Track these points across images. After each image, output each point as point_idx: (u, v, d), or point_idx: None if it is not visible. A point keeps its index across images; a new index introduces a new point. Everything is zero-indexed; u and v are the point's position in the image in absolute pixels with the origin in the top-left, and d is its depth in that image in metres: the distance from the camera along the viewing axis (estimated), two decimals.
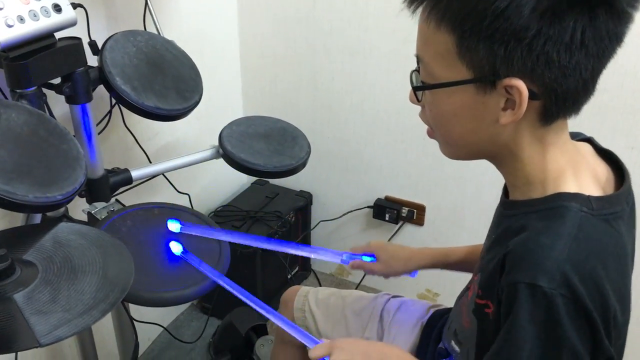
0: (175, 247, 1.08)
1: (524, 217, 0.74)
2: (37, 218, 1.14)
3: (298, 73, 1.95)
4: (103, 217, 1.15)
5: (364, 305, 1.20)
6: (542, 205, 0.73)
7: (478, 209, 1.84)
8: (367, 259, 1.16)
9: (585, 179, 0.75)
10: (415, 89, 0.76)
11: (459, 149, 0.80)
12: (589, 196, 0.71)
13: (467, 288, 0.89)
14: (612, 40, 0.66)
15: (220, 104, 1.94)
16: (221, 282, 1.04)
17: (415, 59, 0.76)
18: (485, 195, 1.81)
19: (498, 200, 1.91)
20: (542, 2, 0.62)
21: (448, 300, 1.25)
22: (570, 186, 0.73)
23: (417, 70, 0.76)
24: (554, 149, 0.74)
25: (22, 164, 0.94)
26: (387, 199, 1.98)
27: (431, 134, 0.82)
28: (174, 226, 1.12)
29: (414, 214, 1.95)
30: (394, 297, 1.22)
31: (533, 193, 0.75)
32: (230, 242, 1.15)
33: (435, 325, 1.11)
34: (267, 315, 1.01)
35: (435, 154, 1.80)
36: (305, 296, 1.26)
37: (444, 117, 0.76)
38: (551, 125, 0.72)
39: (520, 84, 0.66)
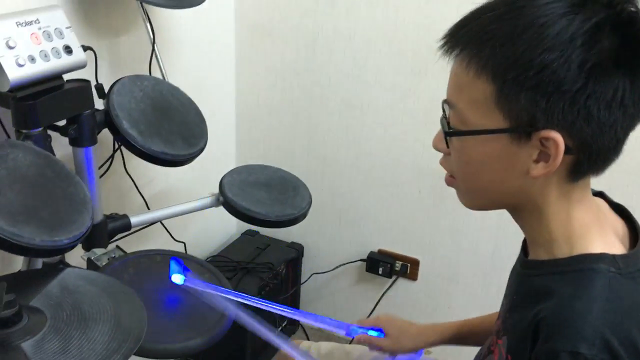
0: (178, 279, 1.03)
1: (548, 278, 0.73)
2: (39, 263, 1.09)
3: (293, 124, 1.96)
4: (104, 263, 1.10)
5: None
6: (568, 267, 0.71)
7: (473, 265, 1.83)
8: (373, 333, 1.13)
9: (610, 236, 0.75)
10: (448, 134, 0.75)
11: (482, 198, 0.79)
12: (614, 255, 0.71)
13: (489, 351, 0.86)
14: None
15: (214, 153, 1.92)
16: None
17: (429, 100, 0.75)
18: (480, 251, 1.80)
19: (493, 257, 1.90)
20: (590, 59, 0.62)
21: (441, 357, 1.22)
22: (597, 245, 0.72)
23: (445, 117, 0.75)
24: (579, 206, 0.74)
25: (28, 205, 0.90)
26: (381, 252, 1.97)
27: (451, 181, 0.80)
28: (177, 278, 1.07)
29: (408, 268, 1.93)
30: None
31: (557, 251, 0.74)
32: None
33: None
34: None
35: (429, 209, 1.83)
36: (307, 352, 1.22)
37: (472, 165, 0.75)
38: (578, 182, 0.72)
39: (558, 137, 0.66)
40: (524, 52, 0.64)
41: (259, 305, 1.05)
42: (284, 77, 1.91)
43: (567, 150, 0.67)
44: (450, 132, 0.74)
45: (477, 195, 0.78)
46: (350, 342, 1.23)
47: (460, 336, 1.11)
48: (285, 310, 1.11)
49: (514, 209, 0.78)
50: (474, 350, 0.97)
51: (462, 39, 0.70)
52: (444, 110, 0.75)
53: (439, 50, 0.72)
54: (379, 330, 1.13)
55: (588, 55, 0.63)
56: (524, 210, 0.76)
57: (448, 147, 0.76)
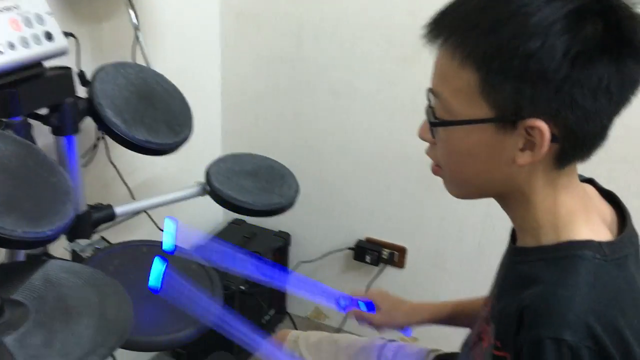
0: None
1: (535, 265, 0.73)
2: (21, 255, 1.07)
3: (280, 112, 1.94)
4: (88, 255, 1.09)
5: (358, 350, 1.16)
6: (554, 254, 0.72)
7: (460, 253, 1.83)
8: (362, 306, 1.12)
9: (596, 222, 0.75)
10: (433, 124, 0.74)
11: (468, 187, 0.78)
12: (600, 242, 0.71)
13: (479, 338, 0.86)
14: (632, 88, 0.67)
15: (199, 141, 1.90)
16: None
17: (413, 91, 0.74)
18: (467, 239, 1.80)
19: (480, 244, 1.91)
20: (575, 46, 0.62)
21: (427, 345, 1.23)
22: (583, 232, 0.72)
23: (430, 106, 0.74)
24: (565, 193, 0.74)
25: (10, 196, 0.88)
26: (368, 240, 1.96)
27: (437, 171, 0.80)
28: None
29: (395, 256, 1.92)
30: (390, 341, 1.18)
31: (544, 238, 0.74)
32: None
33: None
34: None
35: (417, 196, 1.83)
36: (295, 341, 1.22)
37: (458, 155, 0.74)
38: (564, 168, 0.72)
39: (543, 126, 0.66)
40: (509, 40, 0.63)
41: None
42: (270, 64, 1.89)
43: (553, 139, 0.67)
44: (435, 122, 0.73)
45: (463, 184, 0.78)
46: (343, 326, 1.22)
47: (452, 316, 1.11)
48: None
49: (500, 197, 0.78)
50: (462, 336, 0.97)
51: (446, 27, 0.69)
52: (428, 100, 0.74)
53: (423, 38, 0.71)
54: (370, 303, 1.13)
55: (572, 42, 0.62)
56: (511, 198, 0.76)
57: (434, 137, 0.76)
